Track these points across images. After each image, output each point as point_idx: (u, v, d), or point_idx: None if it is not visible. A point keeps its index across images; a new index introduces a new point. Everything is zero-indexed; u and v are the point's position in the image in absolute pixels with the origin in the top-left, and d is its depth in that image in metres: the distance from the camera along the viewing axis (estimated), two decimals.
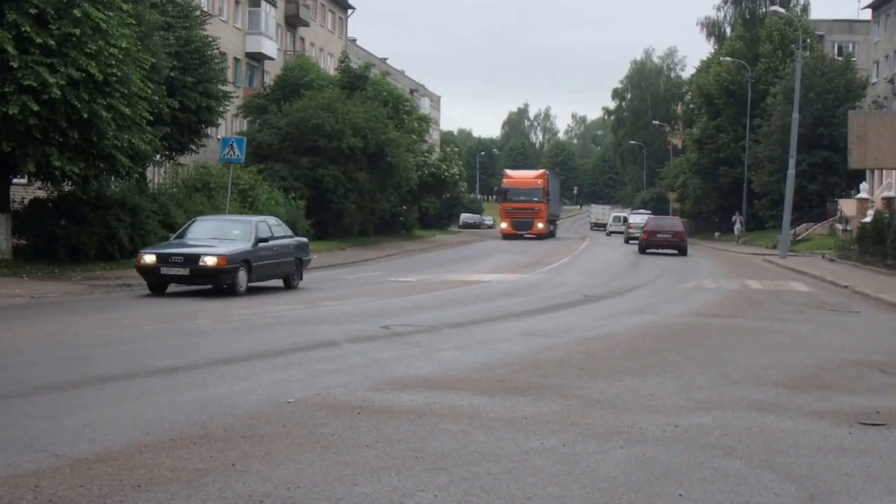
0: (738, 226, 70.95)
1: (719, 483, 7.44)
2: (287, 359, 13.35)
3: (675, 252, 51.04)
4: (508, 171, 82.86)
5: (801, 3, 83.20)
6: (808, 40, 72.02)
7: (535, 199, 74.59)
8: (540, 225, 74.38)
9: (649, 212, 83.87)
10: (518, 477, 7.38)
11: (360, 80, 61.34)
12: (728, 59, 77.65)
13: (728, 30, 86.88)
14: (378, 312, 20.01)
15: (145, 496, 6.70)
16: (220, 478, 7.16)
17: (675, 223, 55.99)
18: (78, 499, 6.62)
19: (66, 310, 19.50)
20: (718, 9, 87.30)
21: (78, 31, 25.38)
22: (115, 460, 7.58)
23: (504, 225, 75.39)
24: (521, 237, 72.53)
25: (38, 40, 24.84)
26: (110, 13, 26.82)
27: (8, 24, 24.64)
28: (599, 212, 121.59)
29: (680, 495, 7.07)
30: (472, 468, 7.58)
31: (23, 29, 24.64)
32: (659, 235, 52.62)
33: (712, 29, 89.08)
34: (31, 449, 7.90)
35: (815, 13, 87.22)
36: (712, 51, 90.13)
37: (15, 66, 24.47)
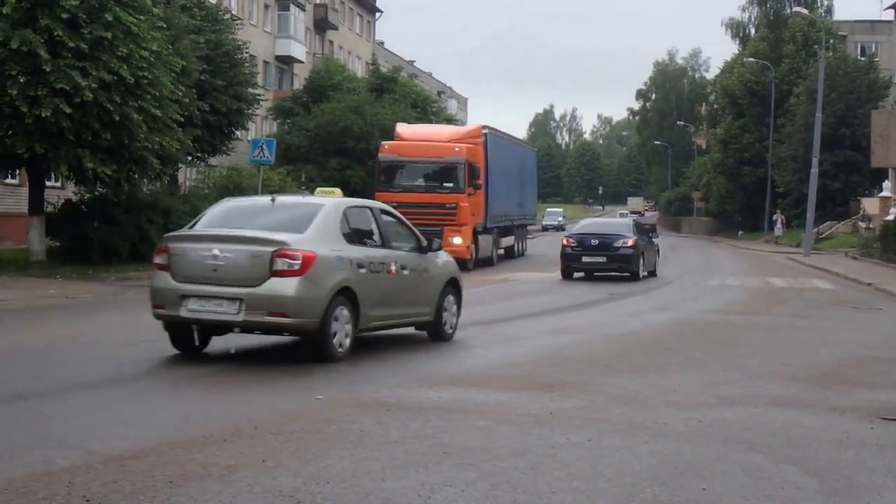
0: (778, 225, 66.08)
1: (742, 477, 7.51)
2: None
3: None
4: (402, 128, 39.51)
5: (825, 4, 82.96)
6: (832, 41, 71.57)
7: (449, 184, 34.95)
8: (456, 240, 33.79)
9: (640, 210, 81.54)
10: (544, 472, 7.47)
11: (388, 82, 61.44)
12: (752, 59, 77.36)
13: (752, 31, 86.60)
14: None
15: (177, 492, 6.75)
16: (250, 474, 7.22)
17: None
18: (111, 495, 6.66)
19: (99, 310, 19.70)
20: (743, 10, 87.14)
21: (109, 35, 25.60)
22: (147, 457, 7.65)
23: None
24: None
25: (71, 44, 25.08)
26: (141, 17, 27.01)
27: (41, 29, 24.89)
28: (636, 205, 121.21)
29: (703, 489, 7.14)
30: (499, 463, 7.66)
31: (55, 33, 24.88)
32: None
33: (737, 30, 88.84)
34: (65, 446, 7.98)
35: (839, 14, 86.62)
36: (736, 51, 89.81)
37: (48, 69, 24.73)
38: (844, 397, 11.08)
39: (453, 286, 15.61)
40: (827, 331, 18.22)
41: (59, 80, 24.78)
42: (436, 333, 15.17)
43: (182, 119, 30.32)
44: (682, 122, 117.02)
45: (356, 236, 13.49)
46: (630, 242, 31.19)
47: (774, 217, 67.21)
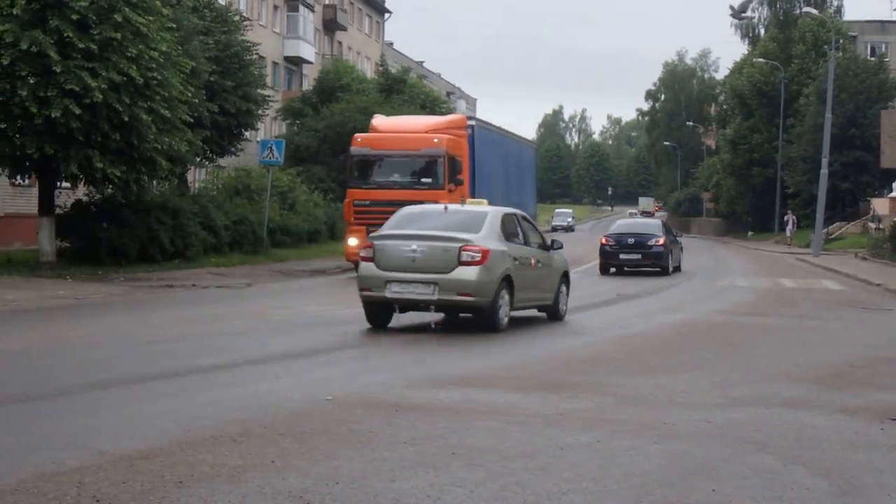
0: (790, 226, 64.53)
1: (752, 478, 7.50)
2: (325, 357, 13.54)
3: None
4: (378, 119, 34.83)
5: (835, 4, 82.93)
6: (841, 41, 71.50)
7: (427, 179, 30.97)
8: None
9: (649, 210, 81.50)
10: (553, 472, 7.47)
11: (397, 83, 61.48)
12: (761, 60, 77.36)
13: (762, 31, 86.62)
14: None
15: (187, 492, 6.77)
16: (260, 474, 7.24)
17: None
18: (121, 495, 6.68)
19: (108, 310, 19.75)
20: (753, 10, 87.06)
21: (119, 36, 25.67)
22: (156, 457, 7.67)
23: (353, 240, 30.30)
24: None
25: (81, 45, 25.15)
26: (150, 18, 27.08)
27: (51, 30, 24.96)
28: (646, 205, 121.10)
29: (713, 490, 7.14)
30: (508, 464, 7.66)
31: (65, 34, 24.94)
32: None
33: (746, 30, 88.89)
34: (74, 446, 8.01)
35: (849, 14, 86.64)
36: (746, 52, 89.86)
37: (58, 70, 24.79)
38: (854, 398, 11.07)
39: (565, 277, 19.48)
40: (836, 332, 18.21)
41: (69, 80, 24.84)
42: (554, 315, 19.07)
43: (191, 120, 30.40)
44: (691, 123, 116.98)
45: (509, 236, 17.29)
46: (661, 241, 34.88)
47: (786, 218, 66.72)
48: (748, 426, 9.33)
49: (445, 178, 30.27)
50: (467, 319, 16.78)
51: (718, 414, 9.87)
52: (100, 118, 25.69)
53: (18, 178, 33.51)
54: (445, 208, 17.81)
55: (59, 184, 29.91)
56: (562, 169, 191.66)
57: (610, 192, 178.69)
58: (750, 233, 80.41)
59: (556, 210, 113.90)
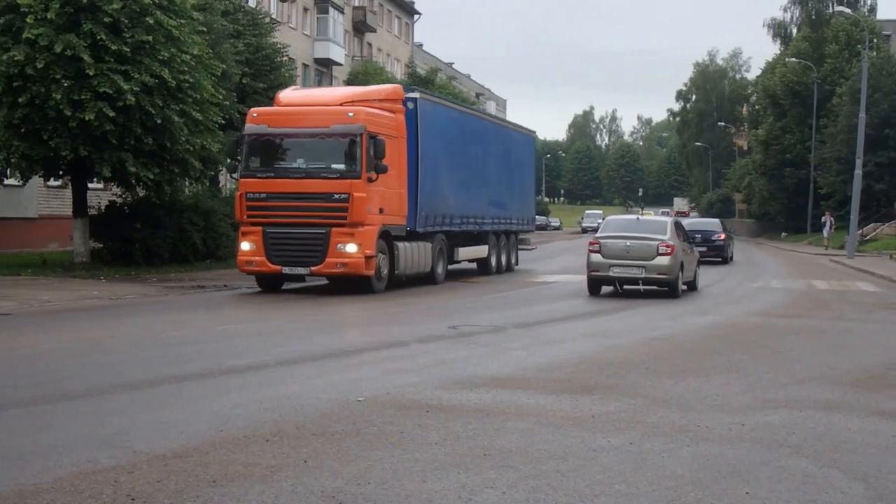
0: (828, 227, 61.64)
1: (786, 482, 7.47)
2: (357, 358, 13.58)
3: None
4: (285, 93, 26.81)
5: (869, 3, 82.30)
6: (875, 40, 70.93)
7: (338, 165, 23.84)
8: (350, 247, 23.56)
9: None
10: (585, 474, 7.46)
11: (426, 84, 61.53)
12: (794, 59, 76.88)
13: (794, 31, 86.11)
14: (446, 313, 20.18)
15: (220, 491, 6.83)
16: (292, 474, 7.28)
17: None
18: (156, 494, 6.75)
19: (142, 311, 19.84)
20: (785, 10, 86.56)
21: (151, 39, 25.87)
22: (190, 456, 7.74)
23: (246, 245, 24.07)
24: (285, 281, 25.62)
25: (113, 48, 25.36)
26: (182, 21, 27.27)
27: (84, 33, 25.16)
28: (681, 206, 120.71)
29: (746, 493, 7.11)
30: (540, 465, 7.67)
31: (98, 37, 25.14)
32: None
33: (778, 30, 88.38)
34: (109, 445, 8.09)
35: (882, 13, 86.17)
36: (778, 52, 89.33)
37: (91, 73, 25.00)
38: (890, 401, 10.98)
39: (699, 262, 28.31)
40: (872, 334, 18.06)
41: (102, 83, 25.05)
42: (692, 287, 27.06)
43: (223, 122, 30.57)
44: (722, 123, 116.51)
45: (679, 236, 25.45)
46: (722, 237, 43.59)
47: (823, 219, 65.91)
48: (782, 429, 9.27)
49: (363, 163, 23.55)
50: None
51: (752, 416, 9.82)
52: (133, 121, 25.88)
53: (52, 179, 33.76)
54: (637, 218, 28.21)
55: (91, 184, 30.12)
56: (592, 170, 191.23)
57: (640, 193, 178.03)
58: (783, 234, 79.93)
59: (587, 211, 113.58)
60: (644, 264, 24.14)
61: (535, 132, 41.09)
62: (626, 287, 25.49)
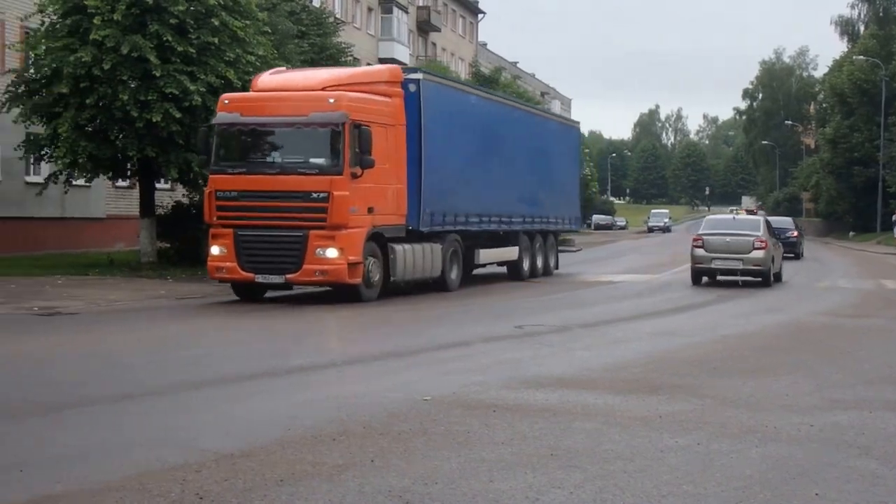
0: None
1: (856, 482, 7.36)
2: (422, 358, 13.60)
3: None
4: (263, 77, 23.33)
5: None
6: None
7: (317, 159, 21.10)
8: (330, 252, 20.71)
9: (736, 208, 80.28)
10: (652, 475, 7.40)
11: (490, 83, 61.49)
12: (861, 57, 75.94)
13: (861, 28, 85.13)
14: (511, 312, 20.17)
15: (288, 491, 6.83)
16: (359, 473, 7.27)
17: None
18: (224, 493, 6.76)
19: (207, 311, 20.00)
20: (852, 7, 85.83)
21: (217, 40, 26.08)
22: (257, 455, 7.75)
23: (216, 249, 21.48)
24: (268, 289, 22.36)
25: (179, 49, 25.59)
26: (247, 22, 27.47)
27: (150, 35, 25.41)
28: (748, 204, 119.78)
29: (816, 494, 7.02)
30: (607, 466, 7.62)
31: (164, 39, 25.38)
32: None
33: (846, 27, 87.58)
34: (177, 444, 8.15)
35: None
36: (845, 49, 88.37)
37: (157, 74, 25.24)
38: None
39: (781, 254, 31.77)
40: None
41: (169, 84, 25.29)
42: (778, 278, 29.87)
43: None
44: (789, 122, 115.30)
45: (770, 232, 28.85)
46: (795, 234, 46.88)
47: (894, 217, 65.01)
48: (852, 430, 9.14)
49: (345, 157, 20.80)
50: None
51: (821, 417, 9.69)
52: (199, 121, 26.05)
53: (120, 180, 34.16)
54: (734, 217, 33.05)
55: (157, 185, 30.44)
56: (658, 169, 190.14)
57: (707, 192, 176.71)
58: (852, 233, 78.94)
59: (652, 210, 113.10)
60: (742, 257, 27.48)
61: (578, 123, 38.31)
62: (719, 278, 28.51)
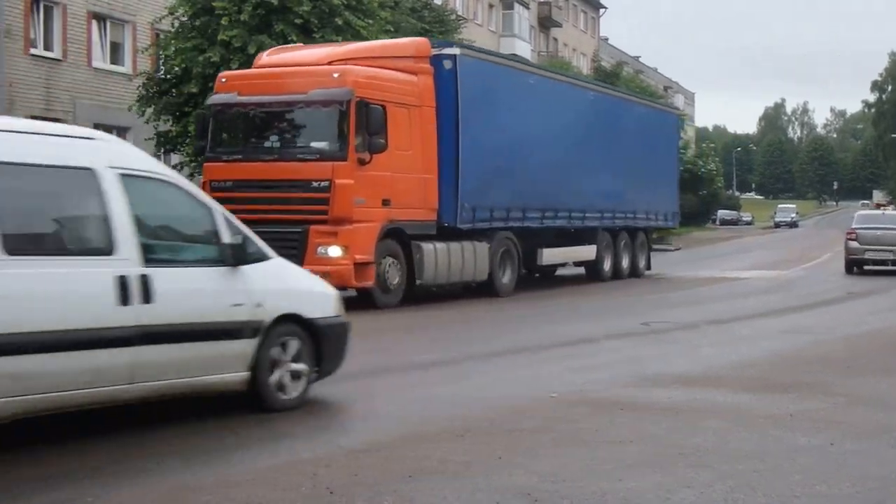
0: None
1: None
2: (546, 354, 13.55)
3: None
4: (269, 53, 21.54)
5: None
6: None
7: (319, 145, 18.87)
8: (333, 250, 18.26)
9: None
10: (784, 475, 7.25)
11: (611, 78, 61.07)
12: None
13: None
14: (636, 308, 20.01)
15: (416, 486, 6.82)
16: (485, 470, 7.24)
17: None
18: (354, 487, 6.77)
19: None
20: None
21: (340, 39, 26.31)
22: (384, 451, 7.78)
23: None
24: None
25: None
26: (370, 21, 27.70)
27: (276, 34, 25.78)
28: (880, 198, 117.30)
29: None
30: (737, 465, 7.48)
31: (290, 38, 25.71)
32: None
33: None
34: (305, 439, 8.26)
35: None
36: None
37: None
38: None
39: None
40: None
41: None
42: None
43: None
44: None
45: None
46: None
47: None
48: None
49: (350, 141, 18.38)
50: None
51: None
52: None
53: None
54: (883, 213, 35.23)
55: None
56: (784, 163, 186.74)
57: (835, 187, 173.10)
58: None
59: (779, 206, 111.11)
60: (892, 248, 30.78)
61: (677, 110, 35.49)
62: (866, 268, 31.57)
